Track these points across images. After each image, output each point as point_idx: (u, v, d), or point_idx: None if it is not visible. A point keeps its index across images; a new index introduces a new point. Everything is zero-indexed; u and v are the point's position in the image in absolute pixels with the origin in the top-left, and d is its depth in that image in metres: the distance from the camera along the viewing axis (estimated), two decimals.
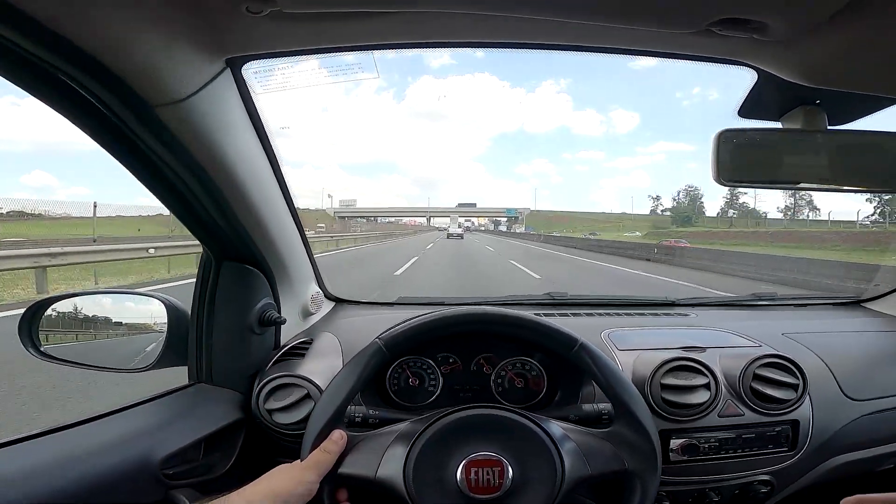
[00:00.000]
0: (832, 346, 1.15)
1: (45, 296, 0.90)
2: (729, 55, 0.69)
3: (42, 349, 0.86)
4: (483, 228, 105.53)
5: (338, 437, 0.68)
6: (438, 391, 1.04)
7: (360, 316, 1.24)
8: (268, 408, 0.89)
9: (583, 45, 0.67)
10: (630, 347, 1.07)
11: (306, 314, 1.13)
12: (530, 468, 0.67)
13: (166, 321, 0.91)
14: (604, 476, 0.69)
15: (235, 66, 0.64)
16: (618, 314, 1.30)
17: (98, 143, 0.59)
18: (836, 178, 0.86)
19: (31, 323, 0.86)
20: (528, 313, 0.82)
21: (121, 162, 0.63)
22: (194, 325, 0.92)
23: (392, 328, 0.77)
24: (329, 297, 1.28)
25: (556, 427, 0.71)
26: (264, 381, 0.90)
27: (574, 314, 1.28)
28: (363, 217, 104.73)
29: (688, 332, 1.15)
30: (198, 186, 0.71)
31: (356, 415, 0.80)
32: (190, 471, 0.79)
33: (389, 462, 0.67)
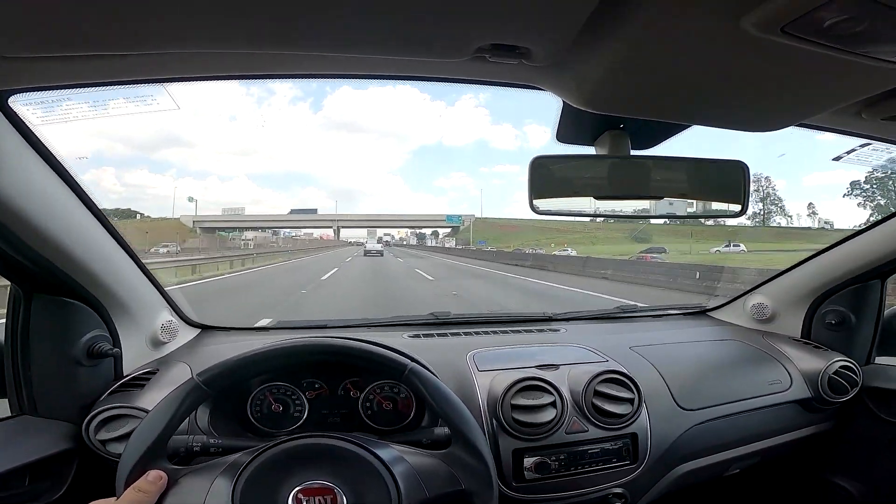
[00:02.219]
0: (670, 358, 1.22)
1: None
2: (515, 80, 0.70)
3: None
4: (405, 242, 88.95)
5: (154, 476, 0.65)
6: (304, 417, 1.03)
7: (226, 343, 1.21)
8: (100, 438, 0.87)
9: (365, 74, 0.69)
10: (489, 368, 1.08)
11: (157, 343, 1.09)
12: (365, 495, 0.66)
13: None
14: (442, 498, 0.70)
15: (1, 99, 0.62)
16: (494, 332, 1.33)
17: None
18: (640, 203, 0.92)
19: None
20: (357, 341, 0.82)
21: None
22: (10, 358, 0.88)
23: (216, 363, 0.76)
24: (192, 323, 1.24)
25: (390, 451, 0.71)
26: (96, 411, 0.88)
27: (452, 333, 1.30)
28: (246, 228, 75.25)
29: (547, 350, 1.18)
30: None
31: (195, 444, 0.78)
32: (12, 497, 0.78)
33: (215, 495, 0.65)
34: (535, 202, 0.87)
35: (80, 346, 0.89)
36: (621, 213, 0.93)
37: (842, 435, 1.32)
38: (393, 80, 0.71)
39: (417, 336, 1.28)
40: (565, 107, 0.80)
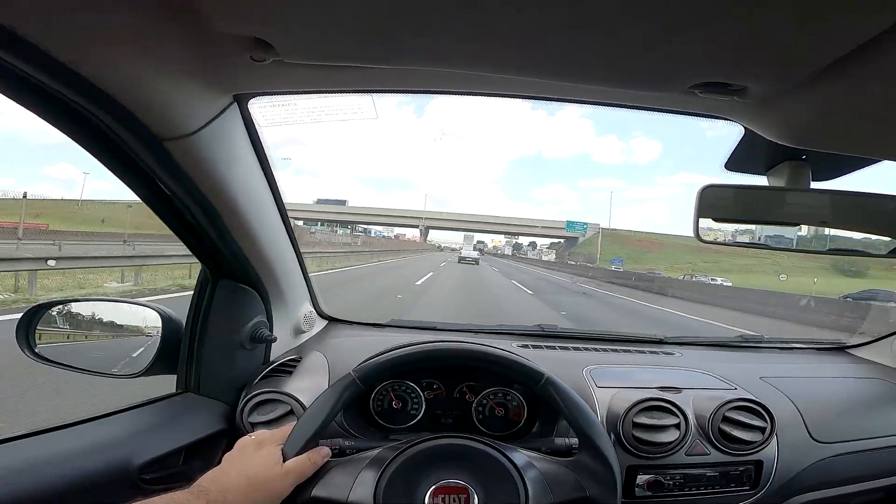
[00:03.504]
0: (806, 391, 1.18)
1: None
2: (714, 112, 0.71)
3: (37, 351, 0.89)
4: (498, 252, 76.10)
5: (325, 453, 0.71)
6: (420, 415, 1.06)
7: (350, 336, 1.27)
8: (251, 421, 0.92)
9: (576, 99, 0.71)
10: (609, 385, 1.09)
11: (298, 332, 1.15)
12: (495, 496, 0.70)
13: (160, 330, 0.94)
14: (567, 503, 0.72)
15: (242, 101, 0.68)
16: (604, 350, 1.32)
17: (108, 167, 0.62)
18: (819, 238, 0.88)
19: (29, 325, 0.88)
20: (499, 348, 0.86)
21: (128, 186, 0.67)
22: (187, 337, 0.95)
23: (368, 360, 0.81)
24: (322, 315, 1.31)
25: (521, 456, 0.75)
26: (250, 394, 0.93)
27: (561, 347, 1.30)
28: (332, 222, 66.63)
29: (667, 372, 1.17)
30: (199, 212, 0.74)
31: (333, 447, 0.82)
32: (168, 477, 0.81)
33: (361, 486, 0.69)
34: (700, 230, 0.86)
35: (246, 330, 0.96)
36: (792, 248, 0.89)
37: None
38: (591, 105, 0.72)
39: (526, 346, 1.28)
40: (748, 138, 0.79)
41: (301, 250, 1.09)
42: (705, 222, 0.86)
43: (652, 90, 0.62)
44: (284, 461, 0.69)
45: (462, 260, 28.89)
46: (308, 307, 1.19)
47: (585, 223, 70.56)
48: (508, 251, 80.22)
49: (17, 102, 0.50)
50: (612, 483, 0.73)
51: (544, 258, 62.64)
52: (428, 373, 1.09)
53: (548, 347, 1.29)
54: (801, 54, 0.48)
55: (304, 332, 1.17)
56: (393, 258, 27.96)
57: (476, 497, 0.68)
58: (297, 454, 0.70)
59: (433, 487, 0.69)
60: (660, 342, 1.44)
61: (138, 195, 0.69)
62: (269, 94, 0.67)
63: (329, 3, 0.44)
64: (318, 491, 0.70)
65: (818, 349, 1.53)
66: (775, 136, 0.70)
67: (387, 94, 0.70)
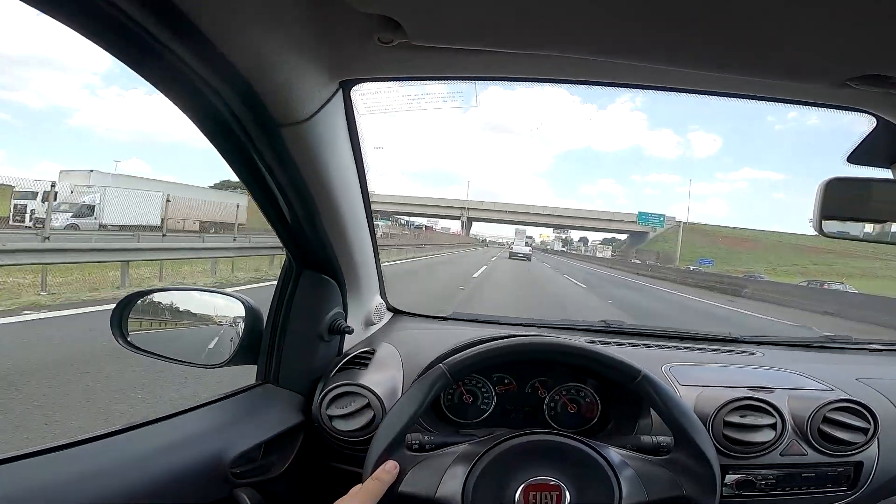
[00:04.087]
0: None
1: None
2: (854, 104, 0.67)
3: (129, 339, 0.90)
4: (547, 248, 70.61)
5: (391, 467, 0.68)
6: (491, 410, 1.05)
7: (417, 329, 1.26)
8: (329, 413, 0.91)
9: (701, 90, 0.67)
10: (692, 383, 1.06)
11: (368, 324, 1.15)
12: (588, 494, 0.68)
13: (244, 321, 0.94)
14: (661, 502, 0.70)
15: (347, 88, 0.66)
16: (676, 347, 1.27)
17: (221, 151, 0.61)
18: None
19: (122, 314, 0.90)
20: (587, 343, 0.85)
21: (234, 171, 0.66)
22: (269, 327, 0.95)
23: (456, 353, 0.80)
24: (389, 308, 1.30)
25: (615, 454, 0.73)
26: (328, 387, 0.92)
27: (631, 344, 1.26)
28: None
29: (755, 372, 1.14)
30: (297, 200, 0.73)
31: (413, 442, 0.81)
32: (251, 471, 0.81)
33: (449, 482, 0.68)
34: (823, 224, 0.81)
35: (325, 321, 0.95)
36: None
37: None
38: (731, 98, 0.67)
39: (593, 342, 1.23)
40: (878, 129, 0.74)
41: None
42: (828, 215, 0.80)
43: (805, 82, 0.58)
44: (364, 479, 0.68)
45: (513, 256, 28.00)
46: (378, 299, 1.19)
47: (662, 215, 55.21)
48: (557, 246, 73.00)
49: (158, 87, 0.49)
50: (711, 482, 0.71)
51: (599, 255, 57.31)
52: (500, 367, 1.07)
53: (616, 343, 1.25)
54: None
55: (374, 323, 1.17)
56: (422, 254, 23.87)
57: (569, 494, 0.67)
58: (383, 453, 0.69)
59: (524, 484, 0.67)
60: (735, 341, 1.38)
61: (241, 180, 0.69)
62: (373, 81, 0.65)
63: None
64: (404, 488, 0.69)
65: None
66: None
67: (491, 82, 0.67)
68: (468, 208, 62.59)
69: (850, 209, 0.81)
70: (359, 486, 0.67)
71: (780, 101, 0.68)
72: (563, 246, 74.08)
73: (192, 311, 0.98)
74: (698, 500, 0.70)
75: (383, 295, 1.24)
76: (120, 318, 0.90)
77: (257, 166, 0.66)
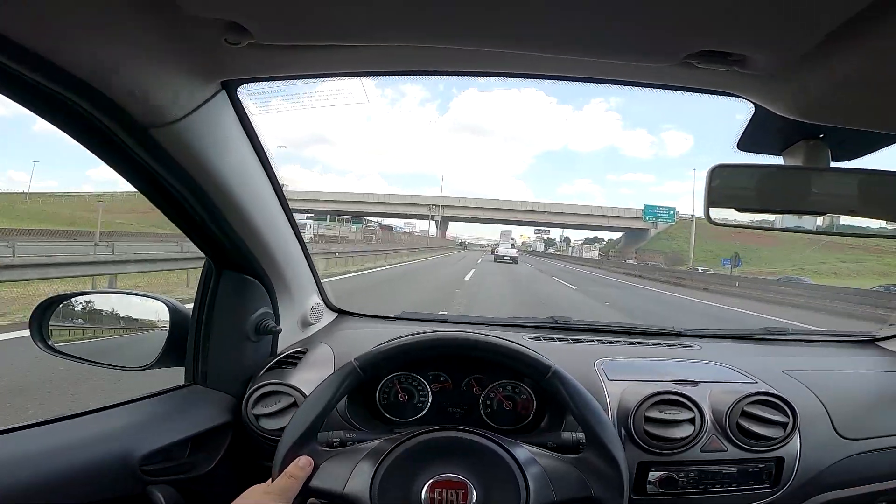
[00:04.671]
0: (833, 385, 1.13)
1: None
2: (717, 87, 0.67)
3: (50, 344, 0.91)
4: (530, 249, 67.81)
5: (304, 462, 0.69)
6: (427, 408, 1.06)
7: (359, 329, 1.27)
8: (255, 413, 0.93)
9: (566, 76, 0.68)
10: (621, 378, 1.06)
11: (305, 324, 1.16)
12: (494, 491, 0.67)
13: (168, 323, 0.95)
14: (570, 502, 0.70)
15: (231, 88, 0.68)
16: (619, 342, 1.28)
17: (99, 157, 0.63)
18: (840, 221, 0.83)
19: (41, 319, 0.91)
20: (505, 339, 0.84)
21: (122, 176, 0.68)
22: (193, 329, 0.96)
23: (372, 350, 0.80)
24: (331, 307, 1.31)
25: (524, 451, 0.72)
26: (255, 386, 0.94)
27: (574, 339, 1.27)
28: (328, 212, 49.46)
29: (684, 365, 1.14)
30: (195, 201, 0.75)
31: (334, 439, 0.82)
32: (172, 468, 0.82)
33: (357, 478, 0.68)
34: (711, 212, 0.82)
35: (251, 321, 0.96)
36: (807, 229, 0.85)
37: None
38: (582, 83, 0.69)
39: (538, 339, 1.26)
40: (759, 115, 0.75)
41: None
42: (715, 203, 0.81)
43: (646, 61, 0.58)
44: (273, 478, 0.68)
45: (499, 259, 25.91)
46: (315, 299, 1.19)
47: (672, 208, 48.86)
48: (540, 247, 70.18)
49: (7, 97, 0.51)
50: (618, 483, 0.71)
51: (585, 255, 54.39)
52: (435, 365, 1.08)
53: (560, 339, 1.26)
54: (803, 19, 0.46)
55: (312, 324, 1.18)
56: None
57: (475, 492, 0.66)
58: (291, 448, 0.70)
59: (430, 481, 0.67)
60: (678, 335, 1.39)
61: (135, 186, 0.70)
62: (257, 81, 0.67)
63: None
64: (315, 482, 0.69)
65: (847, 342, 1.46)
66: (785, 111, 0.66)
67: (374, 77, 0.69)
68: (442, 206, 53.29)
69: (737, 197, 0.82)
70: (268, 482, 0.68)
71: (654, 86, 0.69)
72: (546, 247, 70.93)
73: (117, 314, 0.99)
74: (607, 501, 0.70)
75: (323, 296, 1.25)
76: (40, 323, 0.91)
77: (145, 170, 0.67)
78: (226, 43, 0.53)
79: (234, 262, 0.93)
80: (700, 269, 30.40)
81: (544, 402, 1.04)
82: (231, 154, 0.74)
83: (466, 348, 0.83)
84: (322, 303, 1.23)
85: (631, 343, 1.28)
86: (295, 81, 0.69)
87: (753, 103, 0.71)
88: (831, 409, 1.05)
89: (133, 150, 0.63)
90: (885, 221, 0.86)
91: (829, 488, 1.03)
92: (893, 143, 0.78)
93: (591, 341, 1.27)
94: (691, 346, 1.29)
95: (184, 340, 0.97)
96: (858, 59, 0.50)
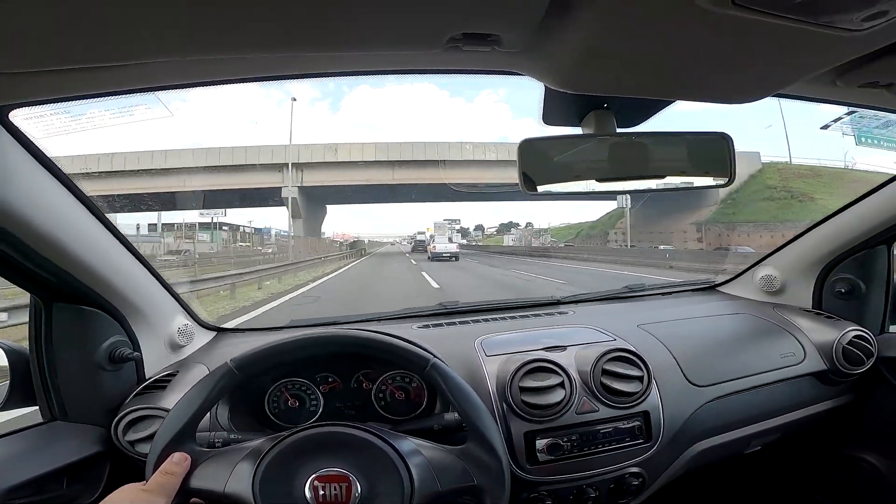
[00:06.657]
0: (679, 334, 1.20)
1: None
2: (499, 67, 0.70)
3: None
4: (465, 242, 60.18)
5: (179, 458, 0.69)
6: (320, 411, 1.06)
7: (243, 344, 1.23)
8: (129, 439, 0.91)
9: (364, 70, 0.70)
10: (497, 353, 1.09)
11: (175, 347, 1.12)
12: (378, 484, 0.68)
13: (7, 364, 0.91)
14: (454, 493, 0.72)
15: (2, 114, 0.65)
16: (501, 318, 1.33)
17: None
18: (631, 178, 0.92)
19: None
20: (387, 333, 0.85)
21: None
22: (35, 366, 0.92)
23: (248, 350, 0.79)
24: (207, 326, 1.27)
25: (408, 443, 0.73)
26: (122, 413, 0.92)
27: (461, 322, 1.31)
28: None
29: (555, 332, 1.18)
30: None
31: (216, 440, 0.81)
32: (51, 499, 0.81)
33: (238, 477, 0.68)
34: (526, 184, 0.88)
35: (101, 351, 0.93)
36: (614, 190, 0.94)
37: (862, 408, 1.29)
38: (372, 75, 0.72)
39: (427, 327, 1.29)
40: (547, 90, 0.81)
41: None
42: (530, 175, 0.87)
43: (420, 48, 0.60)
44: (147, 479, 0.67)
45: (436, 257, 22.64)
46: (183, 320, 1.15)
47: None
48: (455, 238, 50.84)
49: None
50: (499, 472, 0.73)
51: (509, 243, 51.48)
52: (322, 367, 1.08)
53: (448, 324, 1.30)
54: None
55: (182, 345, 1.14)
56: None
57: (358, 485, 0.67)
58: (164, 448, 0.69)
59: (313, 475, 0.68)
60: (557, 303, 1.46)
61: None
62: (28, 105, 0.64)
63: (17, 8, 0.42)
64: (195, 482, 0.69)
65: (693, 290, 1.58)
66: (554, 84, 0.70)
67: (171, 91, 0.69)
68: (294, 164, 28.97)
69: (545, 167, 0.89)
70: (142, 482, 0.67)
71: (425, 72, 0.70)
72: (461, 237, 60.50)
73: None
74: (490, 489, 0.72)
75: (192, 315, 1.21)
76: None
77: None
78: None
79: (62, 293, 0.89)
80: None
81: (433, 387, 1.05)
82: (18, 182, 0.71)
83: (345, 345, 0.83)
84: (192, 323, 1.19)
85: (513, 318, 1.34)
86: (79, 102, 0.67)
87: (538, 80, 0.77)
88: (680, 358, 1.12)
89: None
90: (676, 177, 0.96)
91: (700, 437, 1.09)
92: (665, 107, 0.89)
93: (477, 321, 1.31)
94: (566, 313, 1.36)
95: (29, 379, 0.92)
96: (583, 27, 0.53)
